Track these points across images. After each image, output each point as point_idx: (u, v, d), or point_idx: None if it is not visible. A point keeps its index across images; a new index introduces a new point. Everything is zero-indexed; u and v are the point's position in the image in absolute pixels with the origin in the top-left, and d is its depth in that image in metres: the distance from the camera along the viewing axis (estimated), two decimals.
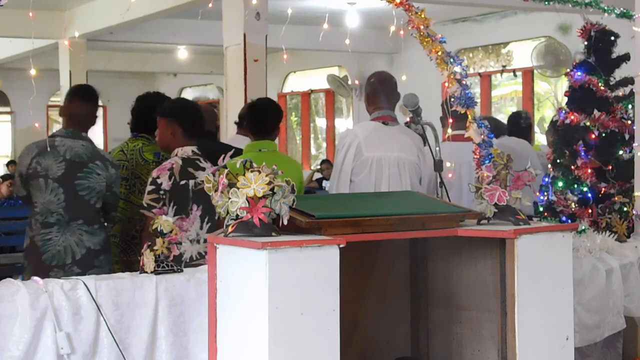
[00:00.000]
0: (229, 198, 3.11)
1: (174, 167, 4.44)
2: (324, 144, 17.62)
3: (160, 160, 4.95)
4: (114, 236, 4.97)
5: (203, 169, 4.47)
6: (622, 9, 5.65)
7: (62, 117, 4.77)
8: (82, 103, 4.73)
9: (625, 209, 5.26)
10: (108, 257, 4.71)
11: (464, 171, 5.72)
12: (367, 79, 5.52)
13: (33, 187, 4.55)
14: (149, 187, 4.45)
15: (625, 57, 5.52)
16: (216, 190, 3.14)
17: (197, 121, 4.63)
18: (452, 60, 4.29)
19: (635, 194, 5.34)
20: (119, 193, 4.81)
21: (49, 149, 4.57)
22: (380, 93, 5.36)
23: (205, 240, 4.35)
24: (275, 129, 5.27)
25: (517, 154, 5.67)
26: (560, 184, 5.32)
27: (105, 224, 4.81)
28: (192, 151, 4.51)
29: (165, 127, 4.61)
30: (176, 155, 4.52)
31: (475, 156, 4.31)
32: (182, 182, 4.42)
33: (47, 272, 4.36)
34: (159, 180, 4.42)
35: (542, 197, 5.36)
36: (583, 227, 4.93)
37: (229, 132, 8.22)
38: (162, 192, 4.40)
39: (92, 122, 4.78)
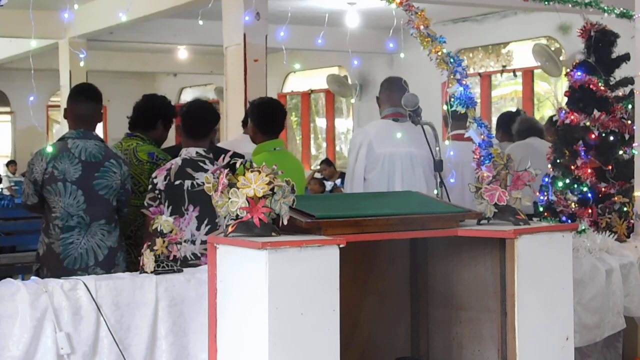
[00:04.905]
0: (229, 198, 3.11)
1: (172, 168, 4.49)
2: (324, 144, 17.62)
3: (154, 160, 4.98)
4: None
5: (206, 171, 4.46)
6: (622, 9, 5.65)
7: (67, 119, 4.72)
8: (88, 102, 4.71)
9: (625, 209, 5.26)
10: (124, 255, 4.72)
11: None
12: (380, 84, 5.56)
13: (51, 192, 4.49)
14: (149, 187, 4.54)
15: (625, 57, 5.52)
16: (216, 190, 3.14)
17: (199, 122, 4.62)
18: (452, 60, 4.29)
19: (635, 194, 5.34)
20: (130, 190, 4.83)
21: (72, 151, 4.54)
22: (390, 91, 5.39)
23: (201, 242, 4.38)
24: (283, 127, 5.34)
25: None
26: (560, 184, 5.32)
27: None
28: (197, 152, 4.51)
29: (178, 128, 4.72)
30: (180, 155, 4.55)
31: (475, 156, 4.32)
32: (177, 182, 4.44)
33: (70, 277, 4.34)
34: (155, 180, 4.50)
35: (542, 197, 5.36)
36: (583, 227, 4.93)
37: (229, 132, 8.22)
38: (157, 191, 4.47)
39: (99, 120, 4.78)
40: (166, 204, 4.44)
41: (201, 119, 4.63)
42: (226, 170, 3.15)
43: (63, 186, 4.49)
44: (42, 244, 4.58)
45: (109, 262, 4.55)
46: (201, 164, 4.49)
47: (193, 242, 4.38)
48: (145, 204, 4.49)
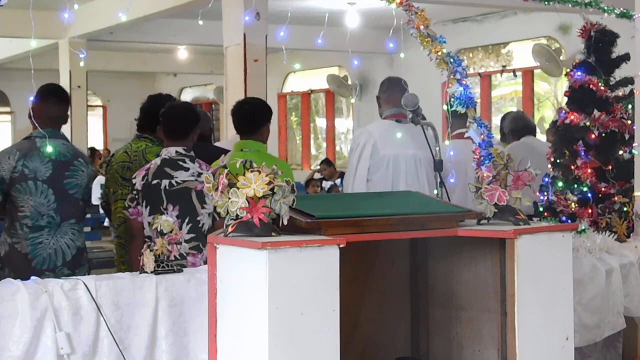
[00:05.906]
0: (229, 198, 3.11)
1: (150, 168, 4.50)
2: (324, 144, 17.62)
3: None
4: (120, 237, 4.99)
5: (186, 169, 4.47)
6: (622, 9, 5.65)
7: (34, 118, 4.68)
8: (60, 104, 4.71)
9: (625, 209, 5.26)
10: (86, 255, 4.73)
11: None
12: (380, 83, 5.51)
13: (20, 190, 4.45)
14: (129, 188, 4.56)
15: (625, 57, 5.52)
16: (216, 190, 3.14)
17: (176, 124, 4.60)
18: (452, 60, 4.29)
19: (635, 194, 5.34)
20: (91, 189, 4.84)
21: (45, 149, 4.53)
22: (392, 91, 5.35)
23: (185, 241, 4.38)
24: (260, 128, 5.13)
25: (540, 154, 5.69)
26: (560, 184, 5.32)
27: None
28: (177, 152, 4.51)
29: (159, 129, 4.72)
30: (160, 155, 4.56)
31: (475, 156, 4.32)
32: (154, 182, 4.45)
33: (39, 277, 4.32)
34: (134, 181, 4.52)
35: (542, 197, 5.36)
36: (583, 227, 4.93)
37: (228, 132, 8.22)
38: (135, 192, 4.49)
39: (65, 121, 4.79)
40: (144, 204, 4.45)
41: (178, 120, 4.61)
42: (226, 170, 3.15)
43: (34, 185, 4.46)
44: (3, 245, 4.53)
45: (76, 262, 4.55)
46: (181, 163, 4.49)
47: None
48: (126, 205, 4.52)
